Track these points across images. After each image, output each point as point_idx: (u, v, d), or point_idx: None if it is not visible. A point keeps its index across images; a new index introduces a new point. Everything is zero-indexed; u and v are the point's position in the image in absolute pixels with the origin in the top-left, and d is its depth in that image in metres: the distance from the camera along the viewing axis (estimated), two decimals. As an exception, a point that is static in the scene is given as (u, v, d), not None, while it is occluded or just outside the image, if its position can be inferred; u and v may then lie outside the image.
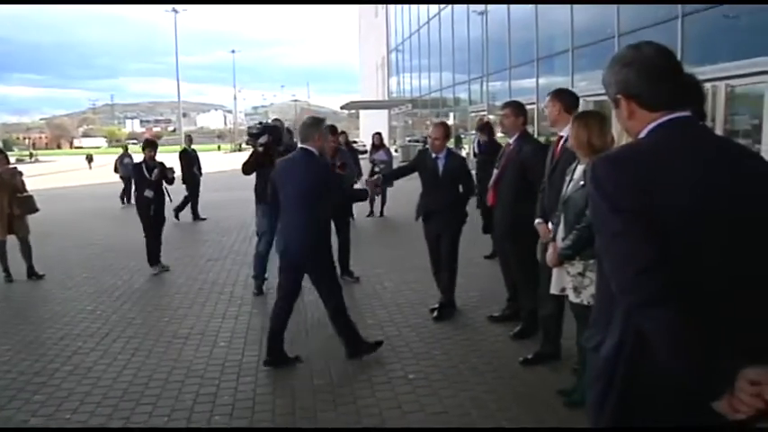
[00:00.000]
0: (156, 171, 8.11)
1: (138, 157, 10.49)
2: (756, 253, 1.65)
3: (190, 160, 13.34)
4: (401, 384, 4.36)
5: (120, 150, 18.54)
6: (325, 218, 4.86)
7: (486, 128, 9.60)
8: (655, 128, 1.72)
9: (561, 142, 4.52)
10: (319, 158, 4.76)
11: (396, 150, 35.01)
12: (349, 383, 4.41)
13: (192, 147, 14.20)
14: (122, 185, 16.75)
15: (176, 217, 12.53)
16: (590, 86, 15.05)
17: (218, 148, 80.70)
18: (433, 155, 5.82)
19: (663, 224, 1.57)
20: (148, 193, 8.06)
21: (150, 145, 8.53)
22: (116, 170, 17.26)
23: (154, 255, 8.14)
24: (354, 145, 17.09)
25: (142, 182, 8.12)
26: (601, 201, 1.65)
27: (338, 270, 7.32)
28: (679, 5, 10.98)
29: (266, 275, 6.98)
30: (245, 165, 6.96)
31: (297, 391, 4.29)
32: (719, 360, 1.52)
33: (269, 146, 6.80)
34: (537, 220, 4.43)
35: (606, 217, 1.64)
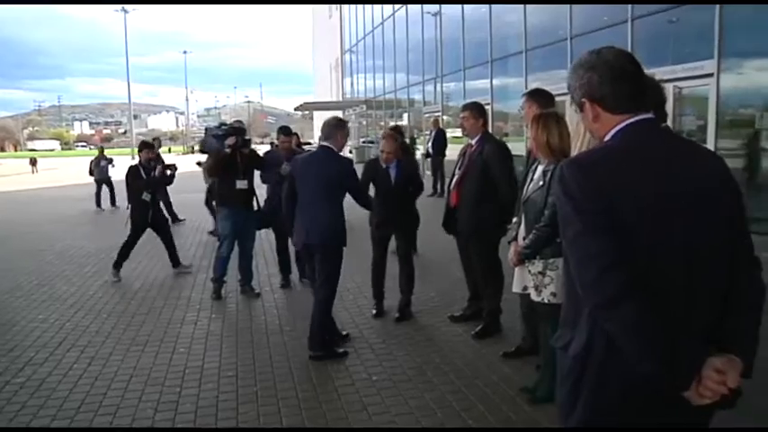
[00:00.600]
0: (158, 170, 7.97)
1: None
2: (711, 248, 1.71)
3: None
4: (366, 387, 4.35)
5: (96, 152, 17.79)
6: (343, 212, 5.03)
7: (395, 130, 9.22)
8: (619, 131, 1.77)
9: None
10: (340, 155, 5.08)
11: (350, 152, 34.99)
12: (313, 387, 4.37)
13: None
14: (95, 189, 16.14)
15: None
16: (543, 87, 15.26)
17: (169, 150, 77.96)
18: (384, 165, 5.86)
19: (625, 224, 1.62)
20: (146, 197, 7.83)
21: (147, 146, 8.32)
22: (91, 173, 16.59)
23: (123, 258, 7.92)
24: (308, 146, 16.96)
25: (138, 184, 7.84)
26: (566, 202, 1.70)
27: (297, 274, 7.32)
28: (629, 10, 11.26)
29: (225, 279, 6.90)
30: (211, 167, 6.85)
31: (260, 396, 4.23)
32: (686, 351, 1.60)
33: (236, 148, 6.71)
34: (515, 219, 4.47)
35: (571, 217, 1.69)
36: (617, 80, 1.77)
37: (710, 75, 9.54)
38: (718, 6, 9.46)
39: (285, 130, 7.59)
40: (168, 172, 8.14)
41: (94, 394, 4.32)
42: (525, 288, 4.01)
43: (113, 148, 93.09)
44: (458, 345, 5.14)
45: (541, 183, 3.71)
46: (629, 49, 11.10)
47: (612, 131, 1.78)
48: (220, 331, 5.66)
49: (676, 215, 1.65)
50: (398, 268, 5.97)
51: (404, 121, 28.12)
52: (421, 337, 5.36)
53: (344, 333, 5.28)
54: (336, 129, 5.03)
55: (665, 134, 1.90)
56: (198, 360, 4.94)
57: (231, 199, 6.78)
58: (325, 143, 5.04)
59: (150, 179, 7.92)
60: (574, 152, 3.16)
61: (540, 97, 4.60)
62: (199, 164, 10.50)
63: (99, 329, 5.77)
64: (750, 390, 1.74)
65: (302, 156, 5.62)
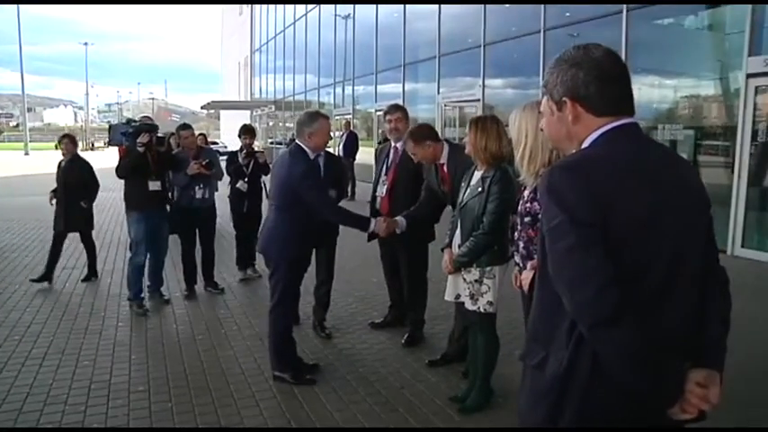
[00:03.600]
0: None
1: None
2: (693, 261, 1.67)
3: None
4: (288, 399, 4.14)
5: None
6: (304, 222, 4.35)
7: (248, 133, 8.38)
8: (603, 134, 1.66)
9: None
10: (304, 156, 4.38)
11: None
12: (233, 401, 4.12)
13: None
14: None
15: None
16: (455, 93, 15.54)
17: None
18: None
19: (618, 237, 1.52)
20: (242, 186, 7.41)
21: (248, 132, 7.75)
22: None
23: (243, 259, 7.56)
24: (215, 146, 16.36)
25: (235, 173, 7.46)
26: (558, 212, 1.56)
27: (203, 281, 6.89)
28: (541, 20, 11.63)
29: (143, 295, 6.34)
30: (119, 167, 6.28)
31: (176, 412, 3.94)
32: (673, 368, 1.56)
33: (149, 146, 6.18)
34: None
35: (563, 229, 1.55)
36: (604, 80, 1.65)
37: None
38: (624, 23, 9.99)
39: (184, 126, 7.12)
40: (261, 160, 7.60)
41: (-16, 416, 3.87)
42: (458, 296, 3.94)
43: (4, 141, 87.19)
44: (381, 353, 5.02)
45: (480, 189, 3.64)
46: (542, 59, 11.64)
47: (594, 135, 1.67)
48: (129, 341, 5.27)
49: (667, 228, 1.58)
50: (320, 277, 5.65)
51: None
52: (343, 346, 5.20)
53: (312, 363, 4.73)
54: (302, 125, 4.43)
55: (650, 141, 1.79)
56: (105, 374, 4.55)
57: (143, 201, 6.27)
58: (297, 140, 4.54)
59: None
60: (518, 159, 3.08)
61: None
62: None
63: (-11, 342, 5.24)
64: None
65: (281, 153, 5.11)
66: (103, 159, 16.34)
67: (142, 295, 6.29)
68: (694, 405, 1.56)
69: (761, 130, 8.52)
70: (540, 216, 2.90)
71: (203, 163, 6.65)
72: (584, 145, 1.69)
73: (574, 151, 1.73)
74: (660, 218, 1.57)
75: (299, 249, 4.43)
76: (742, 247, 8.75)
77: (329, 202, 4.45)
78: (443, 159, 4.63)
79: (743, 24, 8.68)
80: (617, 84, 1.67)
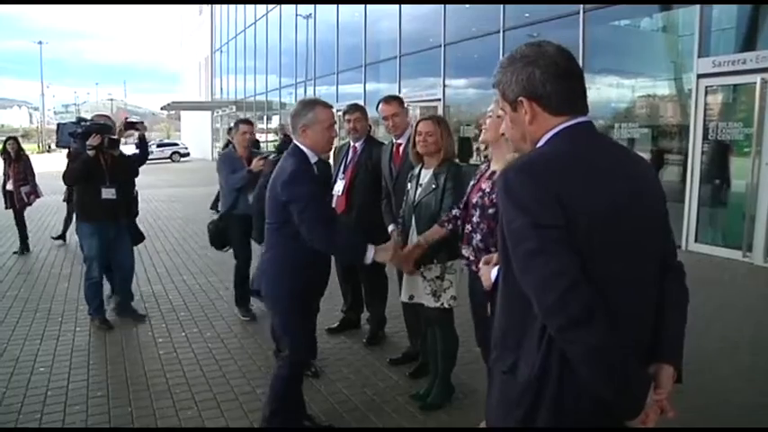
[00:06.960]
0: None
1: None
2: (653, 258, 1.67)
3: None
4: (251, 400, 4.12)
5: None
6: (303, 242, 3.26)
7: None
8: (558, 133, 1.61)
9: (402, 149, 4.60)
10: (300, 157, 3.33)
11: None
12: (194, 404, 4.08)
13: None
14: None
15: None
16: (416, 93, 15.63)
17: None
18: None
19: (580, 237, 1.48)
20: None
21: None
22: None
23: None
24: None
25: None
26: (518, 215, 1.51)
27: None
28: (501, 20, 11.78)
29: (105, 307, 5.86)
30: (67, 173, 5.64)
31: (136, 417, 3.90)
32: (639, 380, 1.53)
33: (100, 149, 5.49)
34: (390, 227, 4.43)
35: (523, 233, 1.50)
36: (561, 78, 1.60)
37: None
38: (581, 24, 10.20)
39: (245, 120, 6.20)
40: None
41: (-63, 426, 3.78)
42: (411, 297, 3.97)
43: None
44: (342, 352, 5.05)
45: (434, 185, 3.70)
46: (500, 58, 11.80)
47: (549, 134, 1.62)
48: (87, 346, 5.18)
49: (627, 224, 1.56)
50: None
51: (274, 123, 27.81)
52: (305, 346, 5.19)
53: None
54: (295, 117, 3.37)
55: (604, 139, 1.75)
56: (62, 380, 4.46)
57: (96, 211, 5.57)
58: (294, 141, 3.47)
59: None
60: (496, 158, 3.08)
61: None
62: None
63: (-60, 349, 5.10)
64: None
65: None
66: (61, 162, 16.03)
67: (105, 308, 5.83)
68: (653, 418, 1.56)
69: (711, 129, 8.79)
70: None
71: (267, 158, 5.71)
72: (539, 144, 1.65)
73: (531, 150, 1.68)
74: (620, 215, 1.55)
75: (297, 280, 3.34)
76: (695, 241, 9.01)
77: (324, 219, 3.30)
78: (402, 140, 4.69)
79: (693, 27, 8.96)
80: (573, 81, 1.63)
